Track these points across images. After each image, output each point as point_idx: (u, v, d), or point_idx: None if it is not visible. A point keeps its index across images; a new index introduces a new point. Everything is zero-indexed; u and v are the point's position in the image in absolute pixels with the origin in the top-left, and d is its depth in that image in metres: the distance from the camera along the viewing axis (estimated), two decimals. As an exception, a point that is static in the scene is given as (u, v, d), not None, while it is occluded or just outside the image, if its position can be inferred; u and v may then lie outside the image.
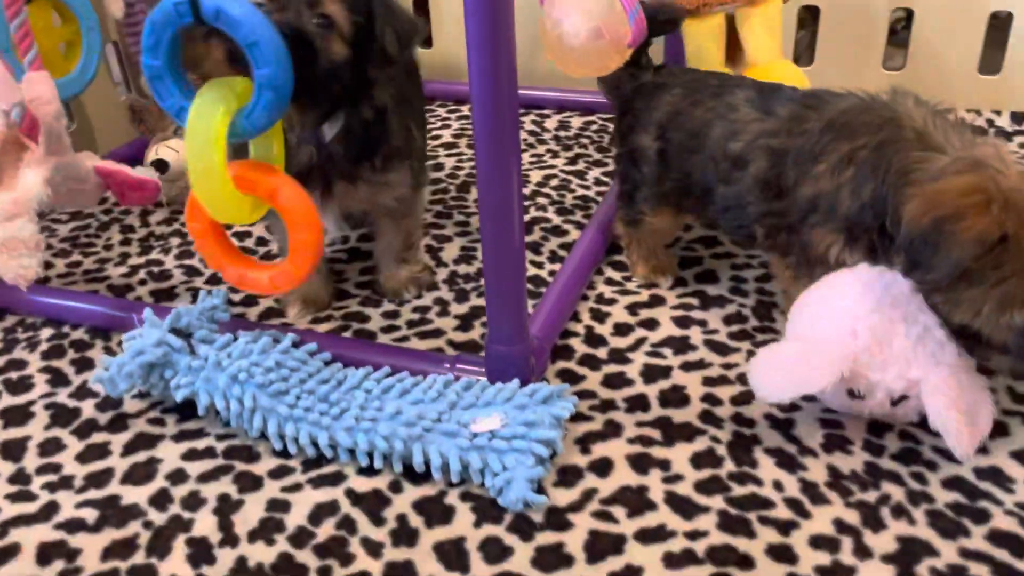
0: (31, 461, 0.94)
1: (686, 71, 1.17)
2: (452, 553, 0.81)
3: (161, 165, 1.40)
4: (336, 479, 0.89)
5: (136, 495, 0.89)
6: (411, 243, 1.18)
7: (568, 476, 0.88)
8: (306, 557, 0.81)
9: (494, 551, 0.80)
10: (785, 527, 0.81)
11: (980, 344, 0.85)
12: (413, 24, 1.05)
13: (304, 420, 0.90)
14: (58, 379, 1.07)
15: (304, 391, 0.93)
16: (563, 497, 0.86)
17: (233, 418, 0.94)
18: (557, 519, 0.83)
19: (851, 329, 0.87)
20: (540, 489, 0.86)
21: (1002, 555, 0.77)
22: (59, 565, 0.82)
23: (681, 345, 1.07)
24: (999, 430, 0.90)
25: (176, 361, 0.96)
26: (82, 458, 0.94)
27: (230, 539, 0.83)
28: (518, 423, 0.85)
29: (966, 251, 0.79)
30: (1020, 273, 0.79)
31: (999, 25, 1.56)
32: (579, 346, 1.08)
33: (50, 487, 0.91)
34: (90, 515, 0.87)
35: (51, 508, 0.88)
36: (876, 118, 0.91)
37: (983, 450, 0.88)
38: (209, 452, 0.94)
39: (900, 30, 1.72)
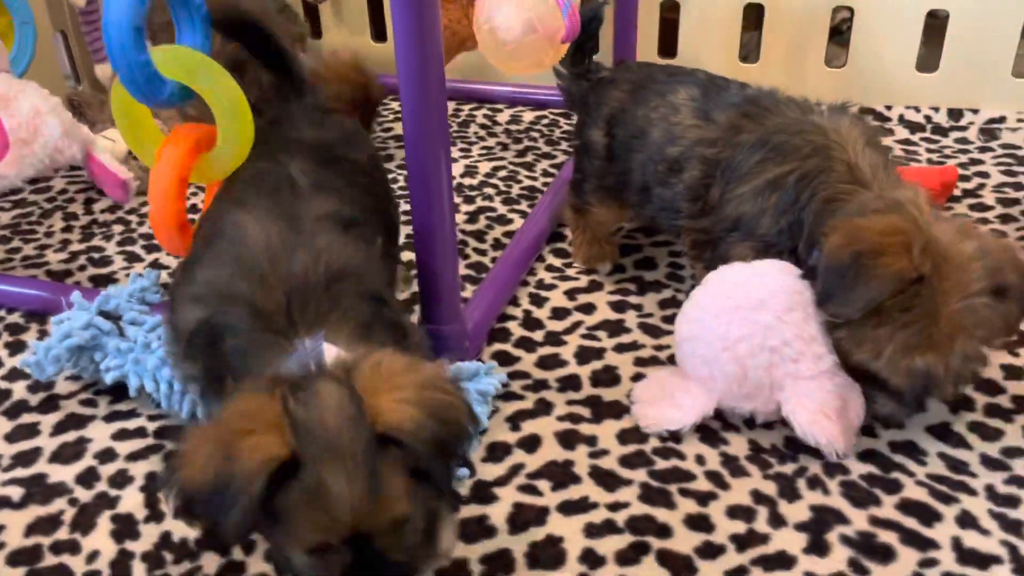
0: (-42, 441, 0.94)
1: (641, 66, 1.17)
2: (377, 526, 0.81)
3: None
4: (266, 457, 0.90)
5: (63, 473, 0.89)
6: None
7: (496, 452, 0.89)
8: (231, 531, 0.81)
9: (419, 524, 0.81)
10: (704, 498, 0.83)
11: (874, 385, 0.85)
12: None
13: (234, 399, 0.90)
14: (-9, 362, 1.06)
15: (235, 370, 0.92)
16: (490, 472, 0.87)
17: (163, 399, 0.94)
18: (483, 492, 0.84)
19: (709, 373, 0.89)
20: (468, 465, 0.87)
21: (911, 523, 0.79)
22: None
23: (616, 328, 1.08)
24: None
25: (105, 344, 0.96)
26: (10, 438, 0.94)
27: (155, 515, 0.83)
28: (443, 399, 0.86)
29: (883, 287, 0.79)
30: (929, 318, 0.79)
31: (938, 25, 1.60)
32: (516, 329, 1.09)
33: (-24, 466, 0.90)
34: (15, 493, 0.87)
35: (-24, 486, 0.88)
36: (806, 144, 0.91)
37: (899, 425, 0.90)
38: (140, 432, 0.94)
39: (845, 30, 1.75)
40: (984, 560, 0.75)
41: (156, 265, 1.25)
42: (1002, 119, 1.56)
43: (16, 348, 1.08)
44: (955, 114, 1.59)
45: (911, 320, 0.80)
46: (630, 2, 1.59)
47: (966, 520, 0.79)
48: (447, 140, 0.90)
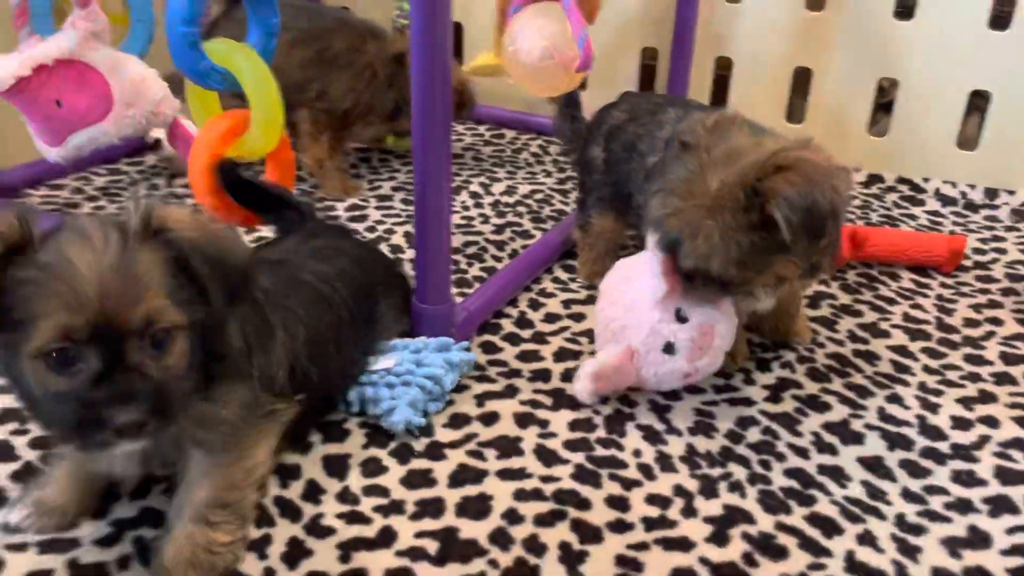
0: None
1: (640, 94, 1.29)
2: (336, 465, 0.92)
3: (157, 144, 1.61)
4: (260, 397, 1.02)
5: (91, 385, 1.03)
6: (227, 500, 0.79)
7: (457, 421, 0.99)
8: (214, 449, 0.93)
9: (372, 468, 0.92)
10: (629, 484, 0.90)
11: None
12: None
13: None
14: (55, 291, 1.23)
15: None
16: (447, 436, 0.97)
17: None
18: (435, 451, 0.94)
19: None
20: (428, 427, 0.97)
21: (813, 532, 0.85)
22: (12, 425, 0.95)
23: (598, 337, 1.17)
24: (855, 439, 0.98)
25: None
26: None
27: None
28: (409, 363, 0.97)
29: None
30: (680, 177, 0.92)
31: (985, 104, 1.63)
32: (508, 326, 1.19)
33: (23, 369, 1.06)
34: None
35: (19, 384, 1.03)
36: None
37: (832, 451, 0.96)
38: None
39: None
40: (870, 573, 0.80)
41: (212, 233, 1.42)
42: (1037, 203, 1.58)
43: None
44: (991, 193, 1.62)
45: (668, 175, 0.94)
46: (684, 55, 1.70)
47: (866, 538, 0.84)
48: (448, 152, 1.01)
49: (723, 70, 1.82)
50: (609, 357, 1.00)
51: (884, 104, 1.75)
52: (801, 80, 1.76)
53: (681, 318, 0.99)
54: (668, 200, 0.93)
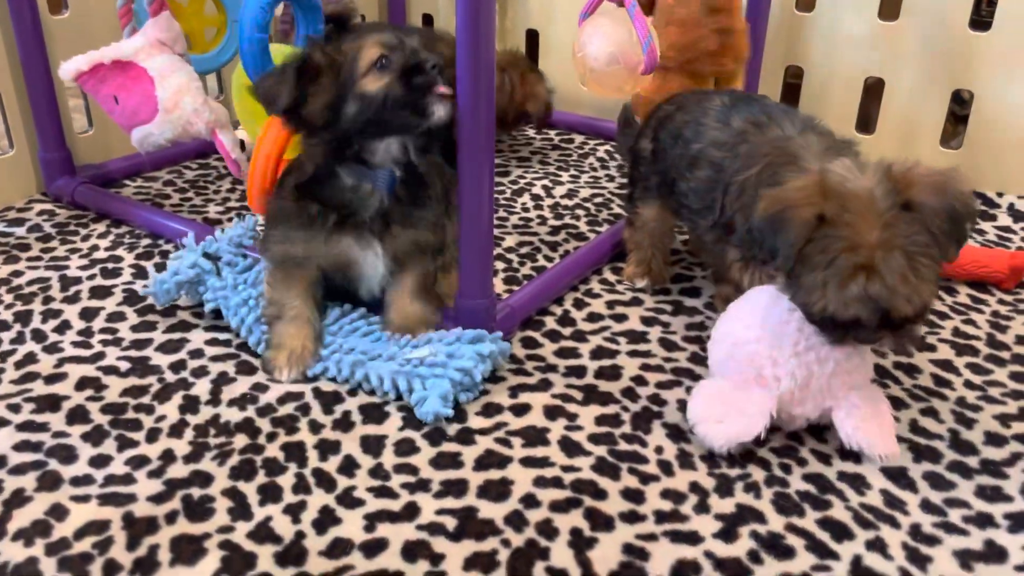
0: (97, 324, 1.21)
1: (694, 91, 1.32)
2: (373, 443, 0.98)
3: (242, 144, 1.71)
4: (311, 379, 1.09)
5: (161, 359, 1.13)
6: (431, 280, 1.17)
7: (490, 410, 1.04)
8: (263, 423, 1.01)
9: (405, 448, 0.98)
10: (647, 479, 0.93)
11: (857, 330, 0.90)
12: None
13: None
14: (140, 273, 1.34)
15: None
16: (478, 423, 1.02)
17: (242, 329, 1.16)
18: (465, 436, 0.99)
19: (773, 375, 0.96)
20: (461, 414, 1.02)
21: (822, 536, 0.86)
22: (89, 392, 1.06)
23: (636, 337, 1.20)
24: (881, 448, 0.98)
25: (206, 280, 1.20)
26: (135, 329, 1.20)
27: (215, 401, 1.05)
28: (443, 354, 1.03)
29: (796, 232, 0.89)
30: (846, 249, 0.86)
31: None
32: (551, 323, 1.23)
33: (103, 343, 1.16)
34: (123, 365, 1.12)
35: (98, 356, 1.13)
36: (769, 147, 1.03)
37: (856, 459, 0.96)
38: (226, 343, 1.17)
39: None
40: (875, 578, 0.81)
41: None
42: (1118, 222, 1.52)
43: (162, 268, 1.35)
44: (1068, 210, 1.57)
45: (832, 257, 0.87)
46: (753, 63, 1.70)
47: (876, 544, 0.85)
48: (491, 152, 1.05)
49: (794, 79, 1.81)
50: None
51: (959, 116, 1.71)
52: (873, 90, 1.74)
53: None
54: (841, 264, 0.87)
